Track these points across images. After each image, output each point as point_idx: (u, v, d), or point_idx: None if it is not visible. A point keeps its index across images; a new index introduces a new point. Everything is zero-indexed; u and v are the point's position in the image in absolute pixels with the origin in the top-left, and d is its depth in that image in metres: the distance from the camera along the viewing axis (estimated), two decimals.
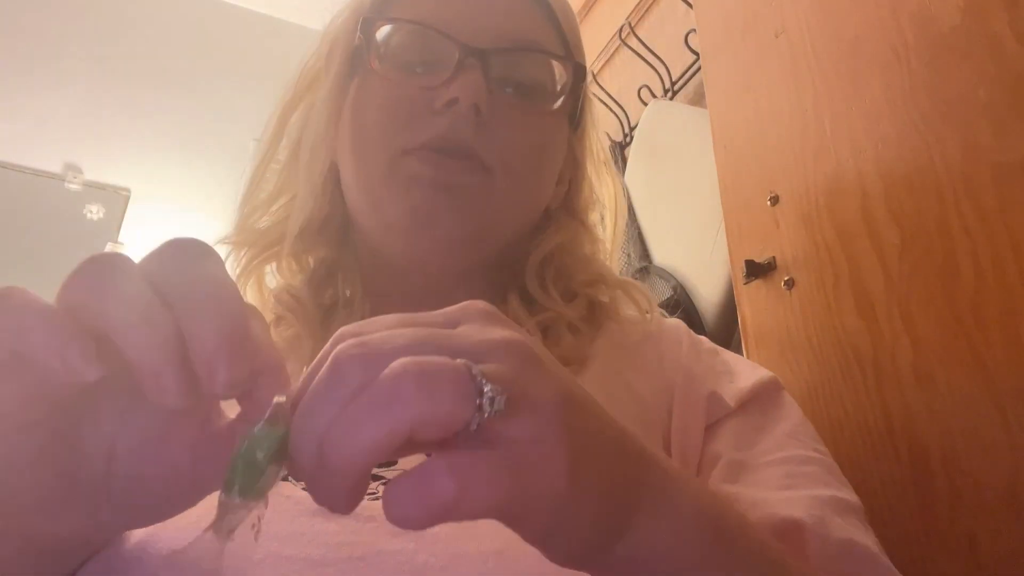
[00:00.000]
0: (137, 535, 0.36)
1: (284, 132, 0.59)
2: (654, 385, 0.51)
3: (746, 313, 0.78)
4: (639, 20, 1.38)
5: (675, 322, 0.59)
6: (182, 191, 2.46)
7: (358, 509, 0.24)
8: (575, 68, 0.56)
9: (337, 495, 0.23)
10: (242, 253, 0.57)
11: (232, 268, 0.56)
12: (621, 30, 1.36)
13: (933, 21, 0.60)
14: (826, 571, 0.38)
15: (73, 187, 2.41)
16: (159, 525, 0.32)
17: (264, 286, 0.57)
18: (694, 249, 1.06)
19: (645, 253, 1.17)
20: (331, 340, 0.26)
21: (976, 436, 0.53)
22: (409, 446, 0.24)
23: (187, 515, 0.30)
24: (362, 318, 0.53)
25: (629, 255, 1.18)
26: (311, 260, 0.58)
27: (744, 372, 0.53)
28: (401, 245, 0.51)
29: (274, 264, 0.58)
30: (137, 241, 2.39)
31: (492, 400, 0.23)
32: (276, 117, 0.59)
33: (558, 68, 0.55)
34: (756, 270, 0.76)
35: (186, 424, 0.29)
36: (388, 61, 0.52)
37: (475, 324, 0.27)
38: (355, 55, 0.55)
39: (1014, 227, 0.52)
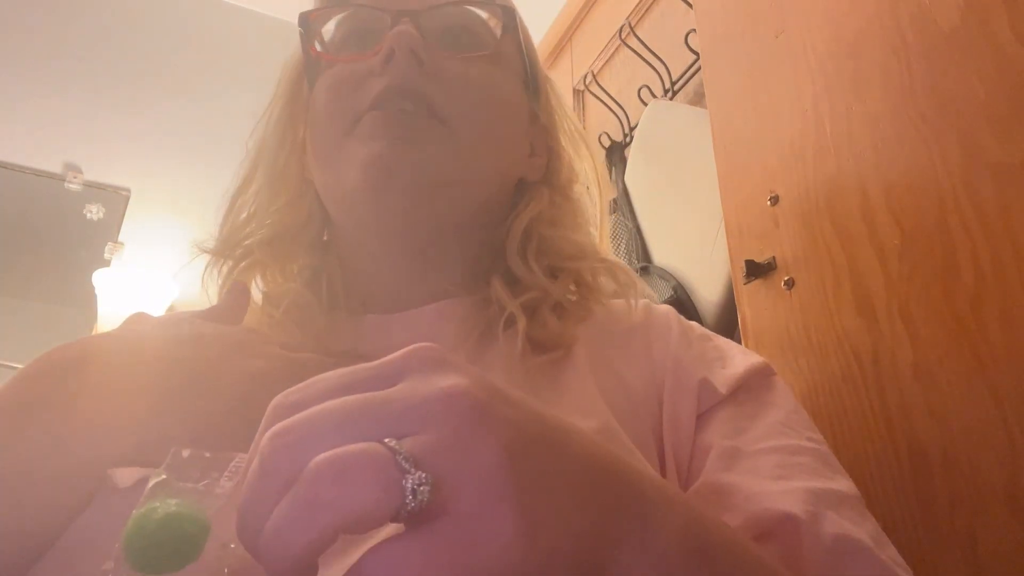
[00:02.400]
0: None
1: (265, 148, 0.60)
2: (644, 374, 0.51)
3: (746, 313, 0.78)
4: (639, 20, 1.38)
5: (665, 308, 0.58)
6: (182, 191, 2.46)
7: None
8: (503, 10, 0.56)
9: None
10: (221, 263, 0.56)
11: (214, 278, 0.56)
12: (621, 30, 1.36)
13: (933, 21, 0.60)
14: (820, 567, 0.38)
15: (73, 187, 2.41)
16: None
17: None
18: (694, 249, 1.06)
19: (645, 253, 1.17)
20: (266, 415, 0.26)
21: (976, 436, 0.52)
22: None
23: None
24: (347, 303, 0.55)
25: (630, 254, 1.18)
26: (295, 268, 0.58)
27: (736, 357, 0.52)
28: (365, 209, 0.51)
29: (259, 275, 0.57)
30: (137, 241, 2.39)
31: (415, 491, 0.22)
32: (255, 136, 0.60)
33: (491, 19, 0.57)
34: (756, 270, 0.76)
35: None
36: (329, 46, 0.56)
37: (416, 375, 0.26)
38: (308, 65, 0.57)
39: (1014, 227, 0.52)
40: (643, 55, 1.31)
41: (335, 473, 0.22)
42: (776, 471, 0.43)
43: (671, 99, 1.26)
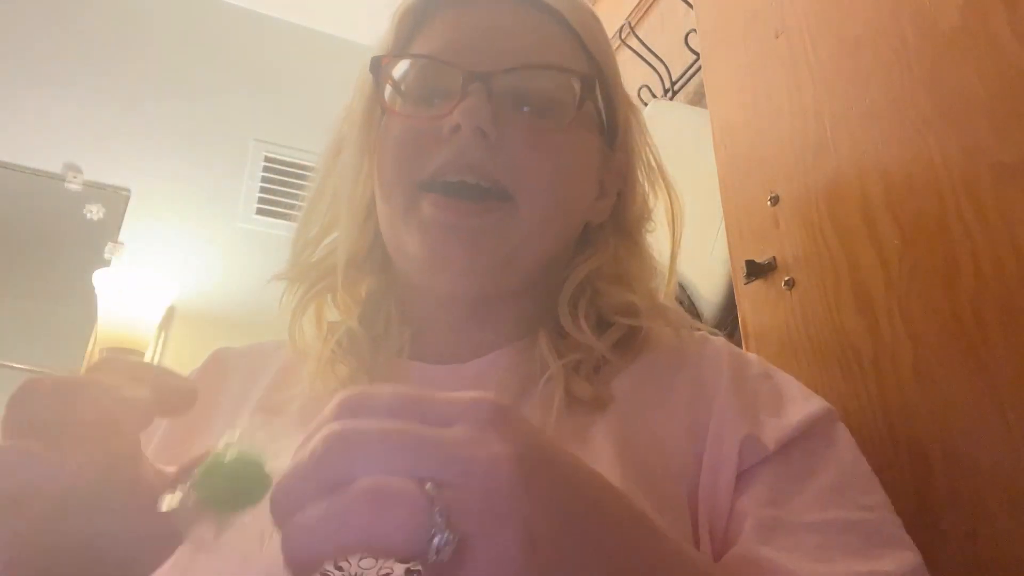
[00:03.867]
0: None
1: (335, 169, 0.59)
2: (683, 426, 0.48)
3: (746, 313, 0.78)
4: (639, 20, 1.38)
5: (719, 345, 0.55)
6: (182, 191, 2.46)
7: None
8: (581, 79, 0.52)
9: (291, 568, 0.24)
10: (296, 288, 0.57)
11: (288, 302, 0.58)
12: (621, 30, 1.36)
13: (933, 21, 0.60)
14: None
15: (73, 187, 2.41)
16: None
17: (323, 319, 0.58)
18: (694, 249, 1.06)
19: None
20: (334, 403, 0.27)
21: (976, 436, 0.52)
22: None
23: None
24: (401, 347, 0.55)
25: None
26: (363, 291, 0.59)
27: (793, 403, 0.49)
28: (423, 279, 0.52)
29: (330, 297, 0.58)
30: (137, 241, 2.39)
31: (439, 550, 0.22)
32: (325, 155, 0.59)
33: (573, 81, 0.52)
34: (756, 270, 0.76)
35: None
36: (402, 96, 0.54)
37: (472, 428, 0.26)
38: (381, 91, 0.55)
39: (1014, 227, 0.52)
40: (643, 55, 1.31)
41: (375, 505, 0.23)
42: (817, 552, 0.40)
43: (671, 99, 1.26)
